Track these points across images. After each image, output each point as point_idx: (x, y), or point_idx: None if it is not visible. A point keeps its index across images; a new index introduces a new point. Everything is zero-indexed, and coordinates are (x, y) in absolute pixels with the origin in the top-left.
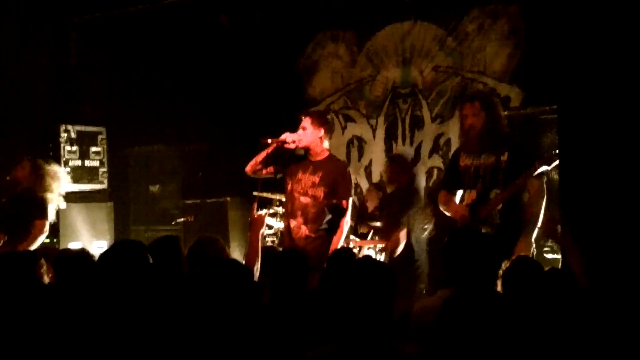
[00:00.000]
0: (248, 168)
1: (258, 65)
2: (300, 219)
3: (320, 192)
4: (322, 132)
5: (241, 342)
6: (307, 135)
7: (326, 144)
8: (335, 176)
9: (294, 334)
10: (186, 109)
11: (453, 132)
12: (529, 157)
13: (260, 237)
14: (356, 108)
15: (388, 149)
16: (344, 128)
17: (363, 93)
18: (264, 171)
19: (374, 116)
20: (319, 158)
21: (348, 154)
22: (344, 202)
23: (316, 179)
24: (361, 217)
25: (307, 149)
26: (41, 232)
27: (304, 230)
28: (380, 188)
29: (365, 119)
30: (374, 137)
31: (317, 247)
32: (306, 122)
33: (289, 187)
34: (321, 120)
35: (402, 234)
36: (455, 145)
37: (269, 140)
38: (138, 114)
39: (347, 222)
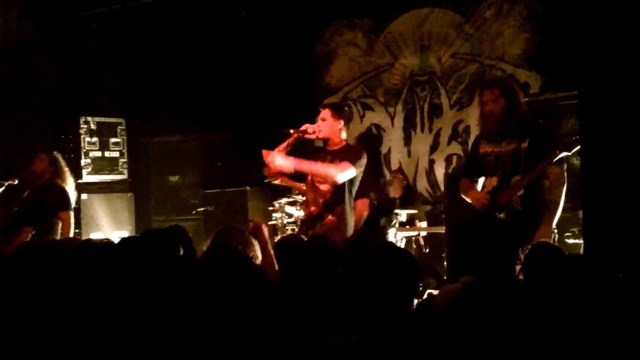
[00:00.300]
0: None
1: (275, 54)
2: (322, 207)
3: None
4: (341, 123)
5: (251, 334)
6: (326, 126)
7: (344, 134)
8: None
9: (314, 322)
10: (204, 99)
11: (472, 119)
12: (549, 144)
13: (267, 240)
14: (374, 96)
15: (406, 137)
16: (362, 116)
17: (381, 81)
18: None
19: (392, 104)
20: (337, 147)
21: (366, 142)
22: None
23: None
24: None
25: (325, 140)
26: (69, 223)
27: (326, 216)
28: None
29: (384, 106)
30: (393, 124)
31: (339, 231)
32: (325, 113)
33: (309, 176)
34: (340, 112)
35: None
36: (474, 131)
37: (291, 131)
38: (157, 104)
39: (338, 173)
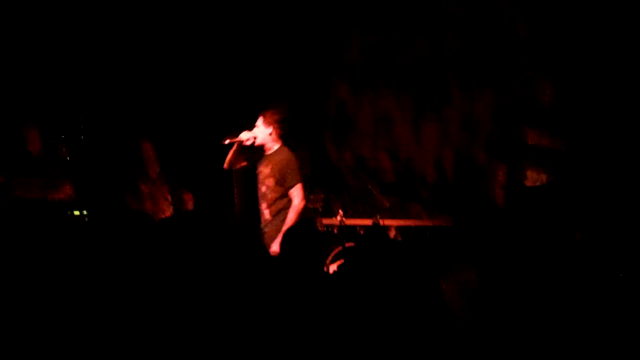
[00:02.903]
0: (225, 164)
1: (291, 32)
2: (264, 204)
3: (271, 182)
4: (271, 129)
5: None
6: (259, 133)
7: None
8: (282, 166)
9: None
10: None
11: (482, 108)
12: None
13: None
14: (384, 79)
15: (416, 124)
16: (371, 100)
17: (392, 64)
18: (238, 165)
19: (401, 88)
20: (270, 151)
21: (375, 126)
22: (290, 191)
23: (268, 170)
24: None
25: (261, 145)
26: None
27: (267, 213)
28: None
29: (393, 91)
30: (401, 110)
31: (276, 228)
32: (259, 120)
33: (257, 177)
34: (272, 119)
35: None
36: (484, 122)
37: (227, 141)
38: None
39: (299, 200)
